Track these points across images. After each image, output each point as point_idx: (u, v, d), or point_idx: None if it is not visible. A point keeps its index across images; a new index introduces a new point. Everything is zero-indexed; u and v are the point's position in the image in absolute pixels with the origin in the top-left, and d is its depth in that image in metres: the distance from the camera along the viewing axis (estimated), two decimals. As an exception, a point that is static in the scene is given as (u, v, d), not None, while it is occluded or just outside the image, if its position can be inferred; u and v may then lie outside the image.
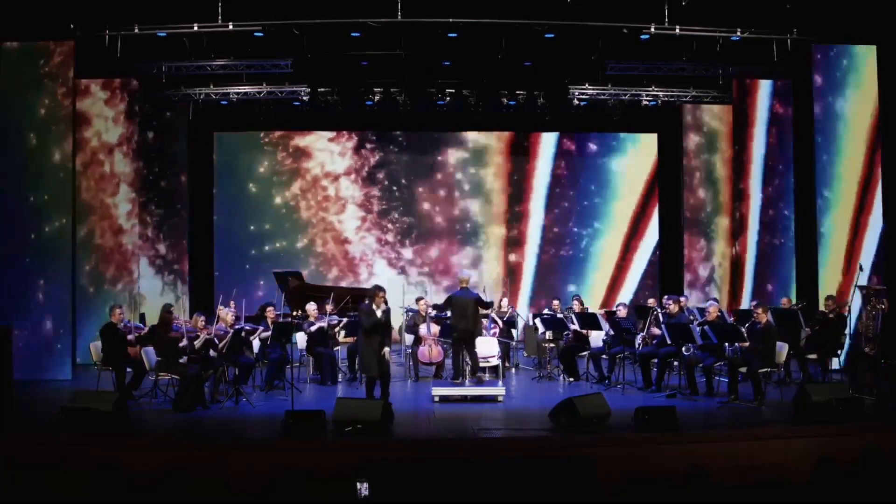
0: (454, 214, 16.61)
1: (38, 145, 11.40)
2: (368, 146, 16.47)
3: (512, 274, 16.58)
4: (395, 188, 16.51)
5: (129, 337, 9.84)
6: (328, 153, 16.42)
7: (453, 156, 16.65)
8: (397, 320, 12.43)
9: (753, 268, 14.48)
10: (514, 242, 16.66)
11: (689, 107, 15.38)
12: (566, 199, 16.73)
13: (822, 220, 12.05)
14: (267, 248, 16.24)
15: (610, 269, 16.64)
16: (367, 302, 9.38)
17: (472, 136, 16.62)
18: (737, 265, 14.77)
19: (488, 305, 11.46)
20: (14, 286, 11.25)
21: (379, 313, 9.19)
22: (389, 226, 16.46)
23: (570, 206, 16.71)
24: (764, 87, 14.40)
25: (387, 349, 9.25)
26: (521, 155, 16.74)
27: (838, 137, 12.11)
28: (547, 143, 16.73)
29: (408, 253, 16.48)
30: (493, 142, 16.71)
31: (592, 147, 16.88)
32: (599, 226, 16.70)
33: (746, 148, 14.61)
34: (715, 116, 15.41)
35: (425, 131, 16.48)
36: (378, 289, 9.37)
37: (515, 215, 16.67)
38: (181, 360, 9.17)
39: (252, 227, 16.21)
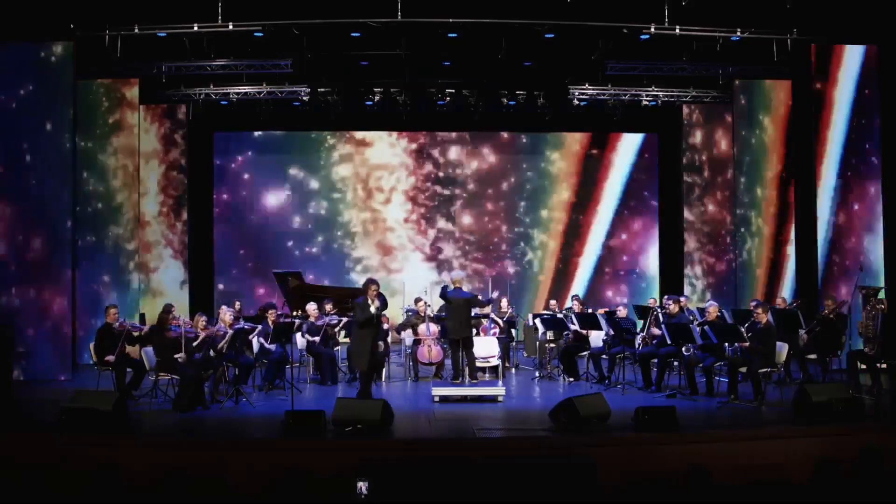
0: (508, 217, 16.52)
1: (44, 146, 11.37)
2: (428, 145, 16.46)
3: (562, 280, 16.43)
4: (448, 187, 16.48)
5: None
6: (388, 146, 16.43)
7: (514, 156, 16.58)
8: (397, 320, 12.45)
9: (794, 268, 13.81)
10: (568, 250, 16.46)
11: (698, 106, 15.26)
12: (635, 206, 16.49)
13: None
14: (270, 248, 16.24)
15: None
16: (362, 297, 9.33)
17: (537, 136, 16.54)
18: (775, 266, 14.08)
19: (486, 304, 11.48)
20: (15, 286, 11.24)
21: (373, 308, 9.16)
22: (438, 223, 16.44)
23: (637, 213, 16.49)
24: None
25: (381, 343, 9.20)
26: (591, 158, 16.53)
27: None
28: (625, 145, 16.47)
29: (451, 257, 16.47)
30: (558, 143, 16.55)
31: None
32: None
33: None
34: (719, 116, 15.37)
35: (480, 131, 16.39)
36: (370, 282, 9.33)
37: (575, 221, 16.48)
38: (179, 360, 9.17)
39: (258, 227, 16.22)
